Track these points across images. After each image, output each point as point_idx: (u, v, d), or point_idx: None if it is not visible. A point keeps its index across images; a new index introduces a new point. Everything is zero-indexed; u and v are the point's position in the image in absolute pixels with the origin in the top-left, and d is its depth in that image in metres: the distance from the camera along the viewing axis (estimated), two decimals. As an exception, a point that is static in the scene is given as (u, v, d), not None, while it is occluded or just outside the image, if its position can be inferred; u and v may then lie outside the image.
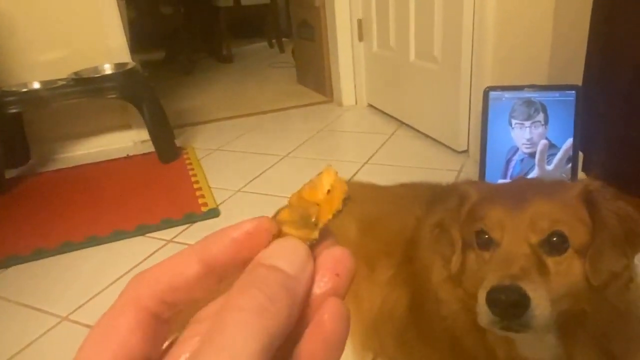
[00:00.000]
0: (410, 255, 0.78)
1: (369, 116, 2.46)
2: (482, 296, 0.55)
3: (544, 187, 0.65)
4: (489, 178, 1.46)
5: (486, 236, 0.61)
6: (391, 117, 2.33)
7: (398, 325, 0.79)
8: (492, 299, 0.54)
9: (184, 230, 1.45)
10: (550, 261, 0.58)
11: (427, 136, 2.03)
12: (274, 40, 4.76)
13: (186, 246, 0.22)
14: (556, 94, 1.36)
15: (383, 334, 0.83)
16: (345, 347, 0.21)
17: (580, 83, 1.43)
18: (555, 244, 0.59)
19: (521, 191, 0.63)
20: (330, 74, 2.69)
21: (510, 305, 0.53)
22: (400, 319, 0.78)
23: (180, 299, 0.21)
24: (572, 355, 0.62)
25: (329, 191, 0.24)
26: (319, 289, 0.21)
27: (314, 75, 2.90)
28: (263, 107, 2.75)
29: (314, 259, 0.21)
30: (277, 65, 3.87)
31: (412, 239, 0.80)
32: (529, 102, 1.39)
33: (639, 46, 1.33)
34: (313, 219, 0.23)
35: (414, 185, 0.99)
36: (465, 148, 1.81)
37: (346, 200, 0.23)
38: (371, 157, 1.90)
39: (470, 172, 1.64)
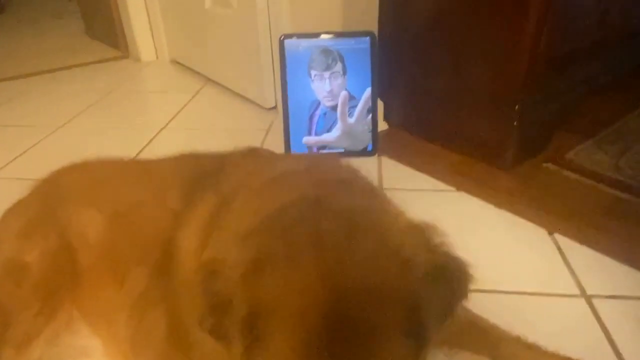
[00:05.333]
0: (167, 265, 0.59)
1: (172, 73, 2.15)
2: None
3: None
4: (293, 135, 1.34)
5: None
6: (197, 73, 2.06)
7: (159, 352, 0.60)
8: None
9: None
10: None
11: (234, 93, 1.83)
12: (60, -15, 3.96)
13: None
14: (352, 41, 1.27)
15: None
16: None
17: (375, 29, 1.36)
18: None
19: None
20: (121, 24, 2.28)
21: None
22: (160, 344, 0.60)
23: None
24: None
25: None
26: None
27: (103, 25, 2.44)
28: (39, 66, 2.22)
29: None
30: (63, 16, 3.21)
31: (169, 241, 0.60)
32: (326, 52, 1.28)
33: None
34: None
35: (182, 158, 0.78)
36: (274, 104, 1.67)
37: None
38: (170, 120, 1.64)
39: (279, 130, 1.50)
